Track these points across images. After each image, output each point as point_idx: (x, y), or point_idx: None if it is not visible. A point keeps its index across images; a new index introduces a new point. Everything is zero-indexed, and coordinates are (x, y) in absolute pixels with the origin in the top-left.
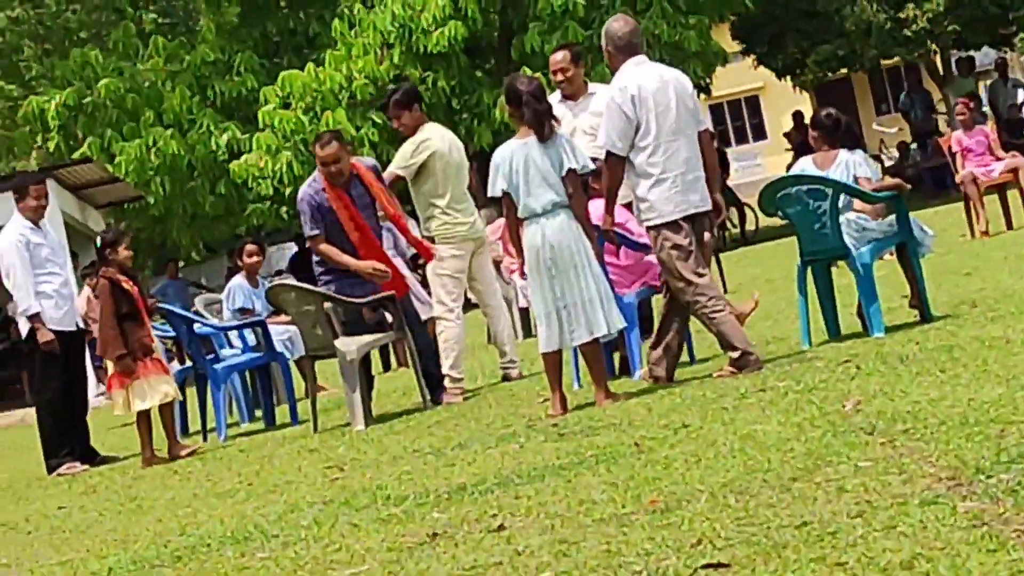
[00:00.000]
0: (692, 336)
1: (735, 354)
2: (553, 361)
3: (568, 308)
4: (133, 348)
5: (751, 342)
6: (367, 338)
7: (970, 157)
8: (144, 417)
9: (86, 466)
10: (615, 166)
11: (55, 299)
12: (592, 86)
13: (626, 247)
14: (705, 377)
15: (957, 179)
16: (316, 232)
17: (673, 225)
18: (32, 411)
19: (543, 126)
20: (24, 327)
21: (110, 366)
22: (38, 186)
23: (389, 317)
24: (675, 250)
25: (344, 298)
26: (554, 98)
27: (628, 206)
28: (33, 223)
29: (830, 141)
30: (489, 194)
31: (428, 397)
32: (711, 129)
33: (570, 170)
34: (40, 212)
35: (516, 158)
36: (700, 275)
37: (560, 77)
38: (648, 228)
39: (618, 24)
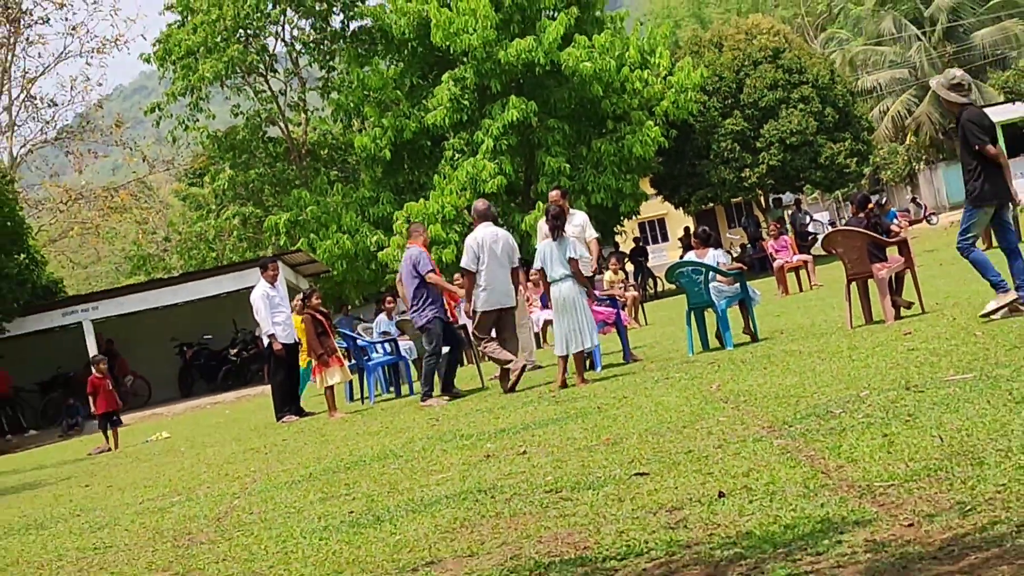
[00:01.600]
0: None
1: (510, 366)
2: (563, 360)
3: (571, 331)
4: (326, 350)
5: (511, 358)
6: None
7: (778, 252)
8: (330, 391)
9: (297, 417)
10: (469, 277)
11: (283, 326)
12: (572, 211)
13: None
14: (635, 370)
15: (775, 266)
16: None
17: (485, 312)
18: (268, 388)
19: (555, 231)
20: (265, 342)
21: (314, 362)
22: (274, 263)
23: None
24: (480, 325)
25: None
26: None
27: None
28: (271, 284)
29: (705, 244)
30: (533, 268)
31: (447, 389)
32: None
33: (571, 258)
34: (276, 278)
35: (546, 250)
36: (484, 339)
37: (555, 206)
38: (475, 311)
39: (480, 204)
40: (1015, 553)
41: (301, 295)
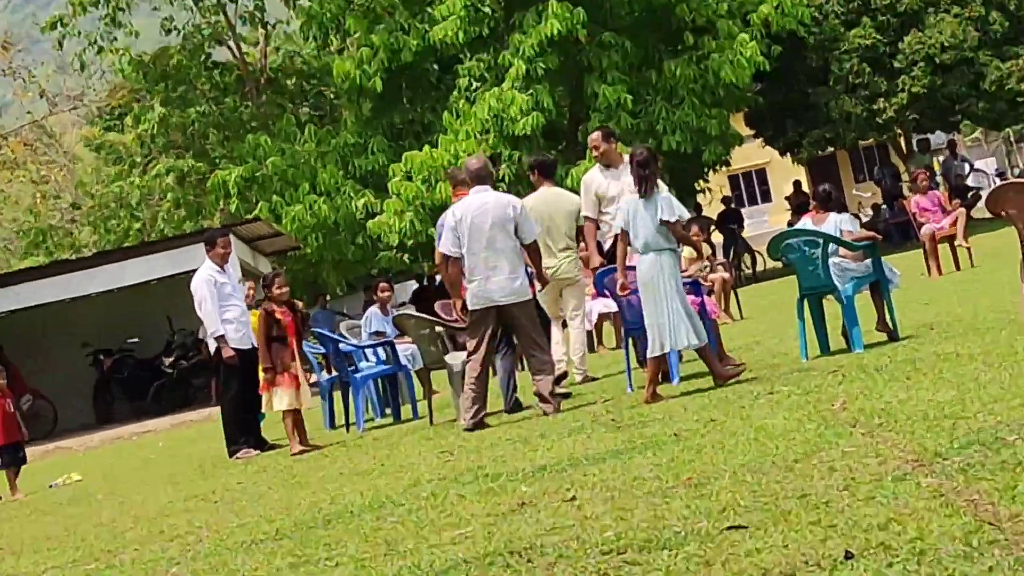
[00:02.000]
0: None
1: (465, 418)
2: (653, 365)
3: (659, 325)
4: (275, 363)
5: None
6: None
7: (926, 215)
8: (289, 415)
9: (258, 451)
10: (453, 264)
11: (235, 324)
12: (626, 156)
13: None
14: (724, 386)
15: (921, 234)
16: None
17: (475, 312)
18: (216, 410)
19: (643, 184)
20: (212, 346)
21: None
22: (224, 237)
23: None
24: (470, 328)
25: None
26: (595, 172)
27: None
28: (219, 267)
29: (824, 207)
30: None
31: (508, 404)
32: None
33: (664, 221)
34: (226, 258)
35: (630, 211)
36: (469, 352)
37: (595, 152)
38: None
39: (474, 162)
40: None
41: (261, 281)
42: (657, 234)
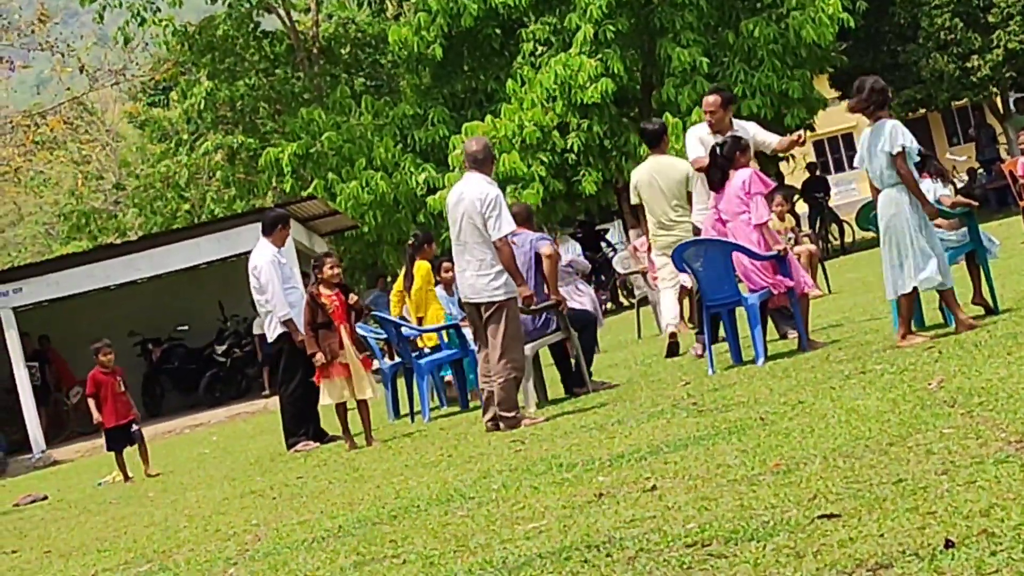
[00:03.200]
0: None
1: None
2: (905, 307)
3: (893, 267)
4: (324, 350)
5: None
6: (539, 340)
7: None
8: (342, 409)
9: (318, 444)
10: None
11: (297, 308)
12: (736, 123)
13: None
14: (816, 363)
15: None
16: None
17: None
18: (271, 400)
19: (872, 112)
20: (277, 331)
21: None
22: (285, 221)
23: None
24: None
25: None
26: (702, 130)
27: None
28: (278, 248)
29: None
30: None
31: (587, 385)
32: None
33: (888, 153)
34: (284, 240)
35: (864, 142)
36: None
37: (709, 117)
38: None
39: (472, 144)
40: None
41: (312, 263)
42: (888, 168)
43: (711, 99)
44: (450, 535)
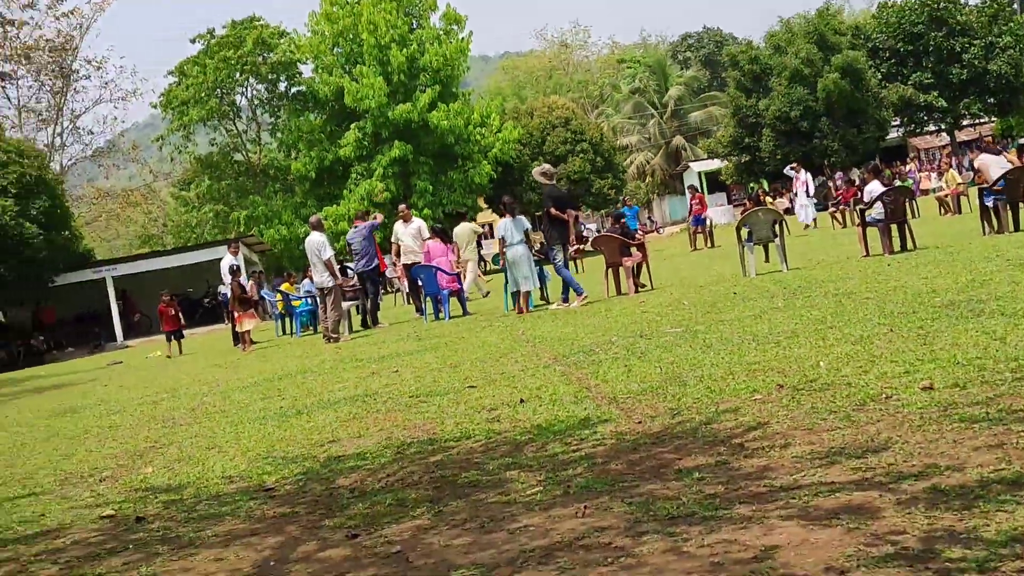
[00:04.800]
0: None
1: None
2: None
3: (523, 278)
4: (236, 308)
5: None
6: (350, 301)
7: None
8: (246, 333)
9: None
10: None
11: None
12: (414, 219)
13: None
14: (483, 320)
15: None
16: None
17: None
18: (227, 327)
19: (511, 212)
20: (227, 292)
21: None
22: (235, 243)
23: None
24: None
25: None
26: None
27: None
28: (233, 255)
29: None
30: (498, 235)
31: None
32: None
33: (525, 230)
34: (236, 251)
35: (507, 225)
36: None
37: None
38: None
39: (313, 218)
40: (703, 439)
41: (250, 272)
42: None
43: (402, 207)
44: (305, 388)
